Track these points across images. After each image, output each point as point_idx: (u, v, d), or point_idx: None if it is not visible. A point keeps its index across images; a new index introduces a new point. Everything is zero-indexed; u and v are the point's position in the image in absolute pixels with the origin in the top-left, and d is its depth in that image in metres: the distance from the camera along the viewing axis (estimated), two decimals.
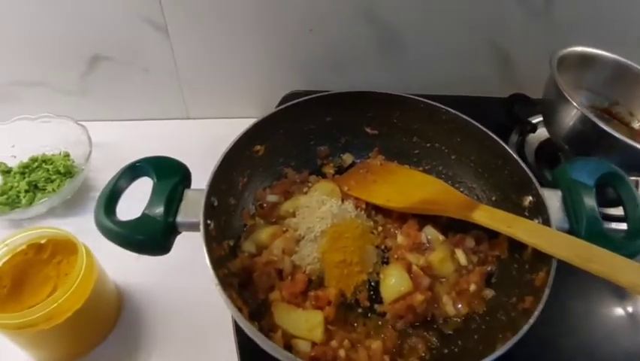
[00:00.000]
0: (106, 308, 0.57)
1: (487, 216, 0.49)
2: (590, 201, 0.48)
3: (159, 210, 0.45)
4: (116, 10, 0.71)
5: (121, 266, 0.60)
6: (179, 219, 0.45)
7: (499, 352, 0.37)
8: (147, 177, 0.49)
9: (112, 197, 0.45)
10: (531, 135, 0.79)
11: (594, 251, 0.42)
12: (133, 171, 0.48)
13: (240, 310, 0.41)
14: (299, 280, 0.48)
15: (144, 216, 0.44)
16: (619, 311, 0.59)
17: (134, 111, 0.85)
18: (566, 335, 0.55)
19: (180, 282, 0.61)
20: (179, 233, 0.47)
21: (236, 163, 0.53)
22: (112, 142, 0.81)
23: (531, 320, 0.39)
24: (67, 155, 0.75)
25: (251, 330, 0.38)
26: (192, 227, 0.45)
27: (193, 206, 0.46)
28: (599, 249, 0.42)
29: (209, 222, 0.46)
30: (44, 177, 0.71)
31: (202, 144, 0.84)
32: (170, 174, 0.48)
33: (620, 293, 0.61)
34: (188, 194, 0.48)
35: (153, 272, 0.61)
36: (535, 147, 0.78)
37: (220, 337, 0.55)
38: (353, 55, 0.82)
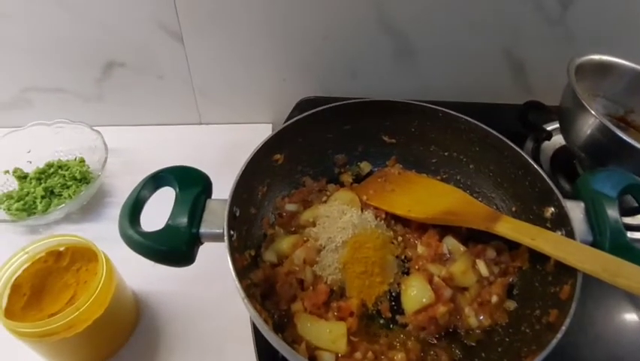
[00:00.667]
0: (124, 316, 0.57)
1: (510, 228, 0.48)
2: (613, 213, 0.48)
3: (183, 221, 0.45)
4: (131, 17, 0.71)
5: (137, 273, 0.60)
6: (203, 230, 0.45)
7: None
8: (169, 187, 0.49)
9: (135, 207, 0.45)
10: (546, 143, 0.79)
11: (621, 265, 0.41)
12: (155, 181, 0.48)
13: (266, 322, 0.41)
14: (321, 291, 0.48)
15: (168, 227, 0.44)
16: (629, 310, 0.59)
17: (149, 117, 0.85)
18: (587, 344, 0.55)
19: (197, 290, 0.61)
20: (202, 244, 0.47)
21: (256, 172, 0.53)
22: (126, 147, 0.81)
23: (559, 335, 0.39)
24: (82, 160, 0.75)
25: (279, 344, 0.38)
26: (216, 238, 0.45)
27: (216, 216, 0.46)
28: (627, 263, 0.41)
29: (232, 232, 0.46)
30: (60, 183, 0.71)
31: (215, 150, 0.84)
32: (192, 184, 0.48)
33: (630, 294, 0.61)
34: (210, 204, 0.47)
35: (170, 280, 0.61)
36: (551, 154, 0.78)
37: (237, 345, 0.55)
38: (366, 62, 0.82)
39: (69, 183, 0.71)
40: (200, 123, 0.89)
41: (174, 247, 0.44)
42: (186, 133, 0.87)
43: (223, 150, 0.83)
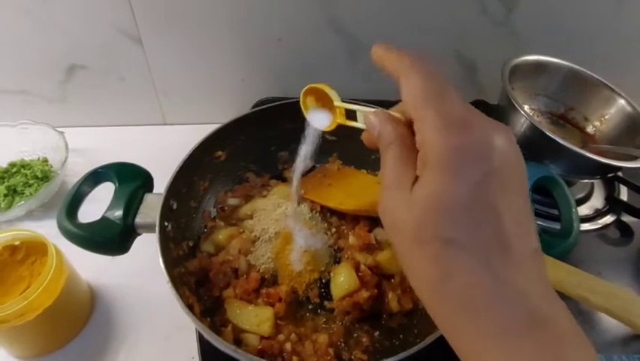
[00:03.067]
0: (77, 306, 0.60)
1: None
2: None
3: (118, 213, 0.48)
4: (91, 21, 0.74)
5: (95, 267, 0.63)
6: (138, 221, 0.48)
7: (421, 345, 0.40)
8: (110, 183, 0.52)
9: (74, 201, 0.48)
10: None
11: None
12: (95, 177, 0.51)
13: (190, 307, 0.44)
14: (252, 279, 0.51)
15: (104, 219, 0.48)
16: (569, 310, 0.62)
17: (112, 118, 0.88)
18: None
19: (153, 282, 0.62)
20: (139, 235, 0.50)
21: (196, 168, 0.56)
22: (90, 147, 0.84)
23: None
24: (45, 160, 0.78)
25: (198, 325, 0.41)
26: (150, 228, 0.48)
27: (152, 209, 0.49)
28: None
29: (166, 223, 0.49)
30: (23, 182, 0.74)
31: (178, 150, 0.86)
32: (131, 179, 0.51)
33: None
34: (148, 198, 0.51)
35: (127, 273, 0.63)
36: None
37: (185, 332, 0.57)
38: (321, 63, 0.85)
39: (31, 181, 0.74)
40: (165, 124, 0.92)
41: (108, 238, 0.47)
42: (150, 133, 0.90)
43: (185, 150, 0.85)
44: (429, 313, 0.27)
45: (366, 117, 0.34)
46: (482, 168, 0.25)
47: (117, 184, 0.51)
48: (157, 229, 0.47)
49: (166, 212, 0.49)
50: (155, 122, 0.91)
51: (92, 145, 0.85)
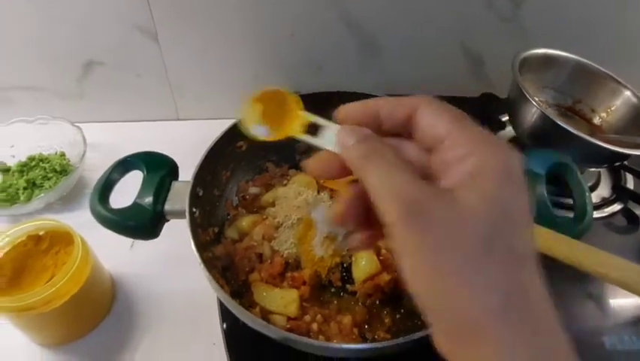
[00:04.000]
0: (100, 294, 0.61)
1: None
2: (540, 189, 0.53)
3: (148, 199, 0.49)
4: (108, 18, 0.75)
5: (114, 256, 0.64)
6: (167, 207, 0.50)
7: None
8: (138, 171, 0.54)
9: (105, 187, 0.50)
10: (501, 132, 0.84)
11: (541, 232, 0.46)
12: (125, 165, 0.52)
13: (221, 287, 0.45)
14: (277, 263, 0.53)
15: (135, 205, 0.49)
16: (580, 293, 0.63)
17: (128, 113, 0.90)
18: None
19: (171, 271, 0.64)
20: (168, 220, 0.51)
21: (220, 157, 0.58)
22: (106, 142, 0.85)
23: None
24: (63, 154, 0.79)
25: (231, 303, 0.43)
26: (179, 214, 0.50)
27: (180, 196, 0.50)
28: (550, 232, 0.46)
29: (194, 210, 0.50)
30: (41, 175, 0.75)
31: (192, 143, 0.87)
32: (158, 168, 0.53)
33: (582, 276, 0.65)
34: (175, 185, 0.52)
35: (145, 262, 0.65)
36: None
37: (208, 322, 0.58)
38: (332, 57, 0.87)
39: (50, 175, 0.75)
40: (178, 119, 0.94)
41: (140, 222, 0.48)
42: (164, 128, 0.91)
43: (198, 144, 0.85)
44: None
45: (339, 133, 0.27)
46: (524, 183, 0.25)
47: (145, 172, 0.52)
48: (187, 214, 0.48)
49: (193, 199, 0.51)
50: (169, 118, 0.93)
51: (106, 140, 0.86)
